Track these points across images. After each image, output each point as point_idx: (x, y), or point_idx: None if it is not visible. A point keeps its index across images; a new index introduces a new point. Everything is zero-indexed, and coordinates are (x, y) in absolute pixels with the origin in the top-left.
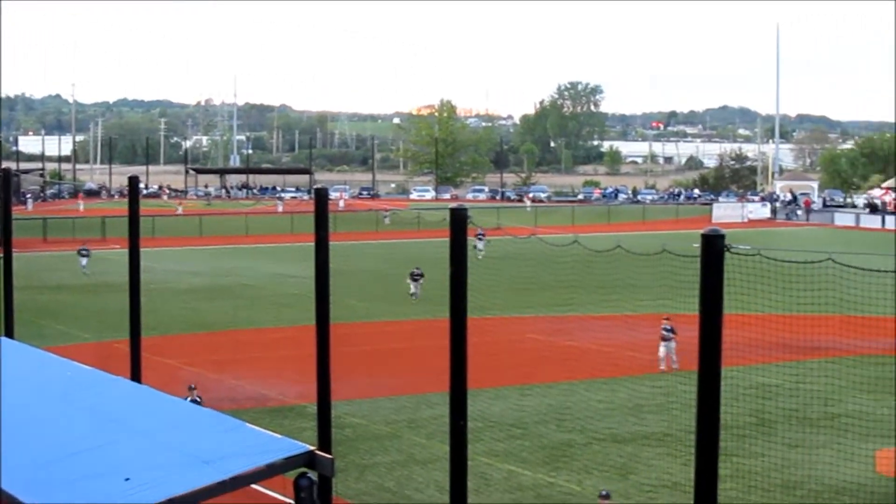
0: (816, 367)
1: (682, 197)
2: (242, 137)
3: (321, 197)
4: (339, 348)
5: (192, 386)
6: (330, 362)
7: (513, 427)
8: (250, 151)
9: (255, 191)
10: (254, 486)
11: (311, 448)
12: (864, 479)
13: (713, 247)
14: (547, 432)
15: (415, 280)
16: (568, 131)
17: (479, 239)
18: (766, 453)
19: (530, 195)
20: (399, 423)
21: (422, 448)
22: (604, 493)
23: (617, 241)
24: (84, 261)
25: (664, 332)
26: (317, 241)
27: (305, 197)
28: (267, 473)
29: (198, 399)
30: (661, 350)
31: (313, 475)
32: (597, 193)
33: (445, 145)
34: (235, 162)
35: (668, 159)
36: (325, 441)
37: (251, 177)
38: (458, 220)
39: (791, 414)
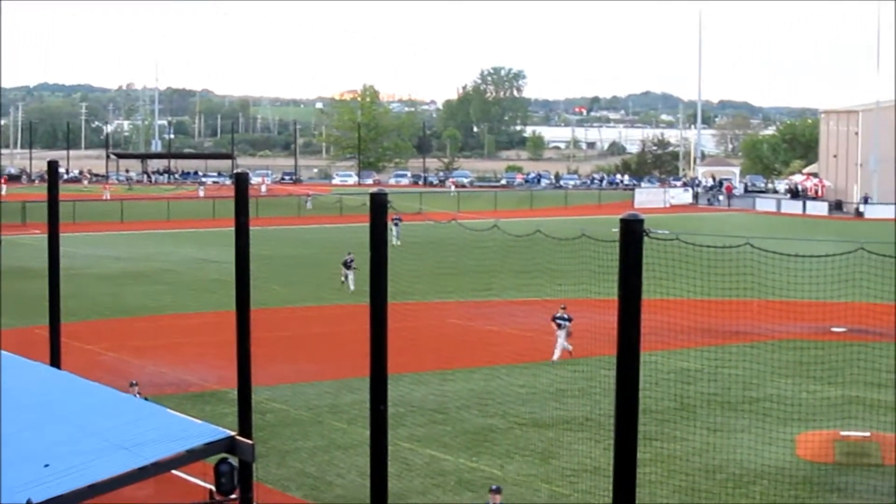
0: (737, 352)
1: (604, 182)
2: (164, 122)
3: (241, 182)
4: (261, 333)
5: (134, 382)
6: (250, 348)
7: (434, 412)
8: (172, 136)
9: (176, 176)
10: (174, 471)
11: (232, 434)
12: (784, 463)
13: (632, 231)
14: (468, 417)
15: (348, 268)
16: (491, 116)
17: (395, 224)
18: (688, 437)
19: (455, 180)
20: (321, 409)
21: (343, 433)
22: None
23: (538, 226)
24: None
25: (559, 322)
26: (237, 227)
27: (227, 182)
28: (187, 459)
29: (138, 395)
30: (561, 338)
31: (234, 461)
32: (519, 179)
33: (368, 130)
34: (157, 147)
35: (591, 145)
36: (245, 427)
37: (173, 162)
38: (378, 205)
39: (712, 398)
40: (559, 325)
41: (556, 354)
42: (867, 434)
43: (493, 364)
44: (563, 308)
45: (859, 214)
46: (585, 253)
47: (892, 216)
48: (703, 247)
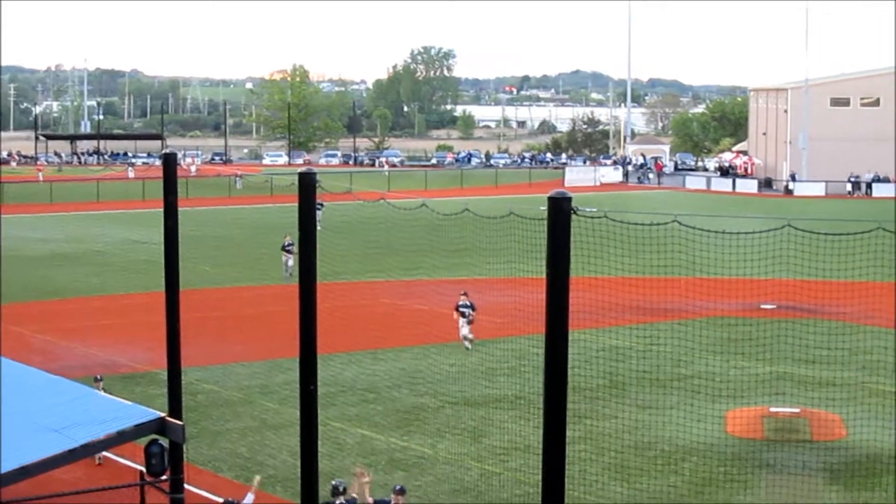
0: (667, 329)
1: (534, 161)
2: (93, 103)
3: (169, 162)
4: (191, 314)
5: (99, 377)
6: (180, 328)
7: (365, 391)
8: (101, 117)
9: (106, 157)
10: (105, 453)
11: (162, 415)
12: (714, 439)
13: (559, 209)
14: (399, 396)
15: (289, 252)
16: (421, 96)
17: (318, 209)
18: (618, 415)
19: (388, 159)
20: (251, 389)
21: (274, 413)
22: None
23: (467, 205)
24: None
25: (462, 309)
26: (165, 207)
27: (157, 163)
28: (117, 440)
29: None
30: (464, 329)
31: (164, 442)
32: (450, 158)
33: (298, 110)
34: (86, 128)
35: (521, 123)
36: (175, 408)
37: (102, 143)
38: (307, 185)
39: (642, 376)
40: (462, 314)
41: (467, 343)
42: (796, 410)
43: (424, 343)
44: (465, 295)
45: (789, 192)
46: (514, 231)
47: (822, 193)
48: (632, 224)
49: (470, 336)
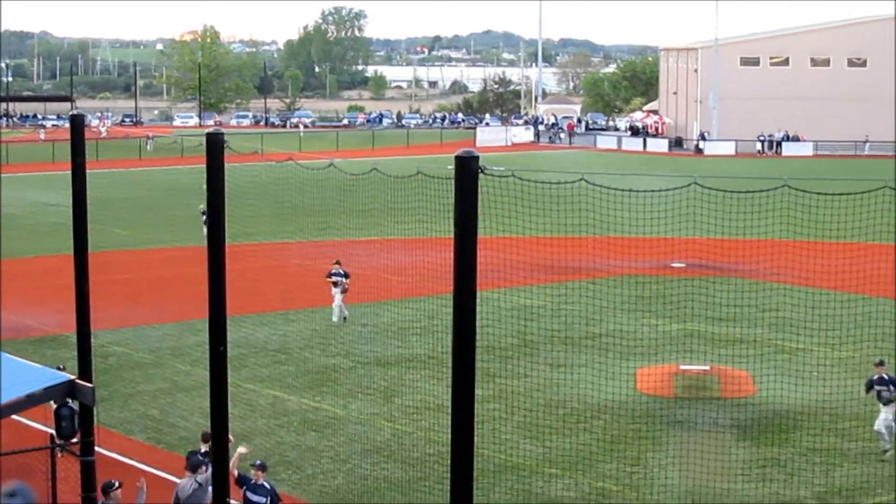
0: (577, 288)
1: (446, 121)
2: (2, 65)
3: (77, 123)
4: (102, 276)
5: (62, 366)
6: (89, 291)
7: (277, 352)
8: (10, 79)
9: (15, 119)
10: (14, 416)
11: (72, 377)
12: (625, 397)
13: (467, 168)
14: (311, 357)
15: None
16: (332, 56)
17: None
18: (529, 374)
19: (301, 120)
20: (163, 351)
21: (186, 375)
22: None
23: (377, 165)
24: None
25: (335, 278)
26: (73, 168)
27: (67, 125)
28: (27, 404)
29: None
30: (337, 298)
31: (74, 405)
32: (361, 119)
33: (209, 71)
34: None
35: (433, 84)
36: (85, 370)
37: (11, 105)
38: (215, 145)
39: (554, 334)
40: (335, 283)
41: (336, 315)
42: (706, 367)
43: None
44: (338, 263)
45: (699, 151)
46: (423, 191)
47: (732, 152)
48: (540, 183)
49: (342, 306)
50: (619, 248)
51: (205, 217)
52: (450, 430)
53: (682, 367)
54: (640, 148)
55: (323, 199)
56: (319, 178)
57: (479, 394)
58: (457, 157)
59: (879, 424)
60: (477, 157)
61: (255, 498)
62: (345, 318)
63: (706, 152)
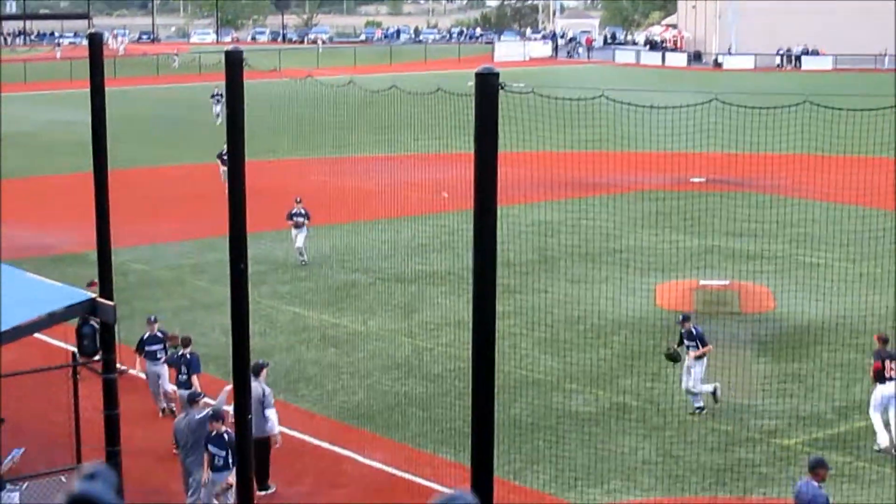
0: (597, 204)
1: (463, 36)
2: None
3: (95, 42)
4: (122, 193)
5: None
6: (109, 208)
7: (297, 269)
8: None
9: (32, 37)
10: (37, 335)
11: (93, 295)
12: (645, 312)
13: (487, 85)
14: (331, 273)
15: (217, 102)
16: None
17: (217, 102)
18: (549, 289)
19: (321, 36)
20: (182, 269)
21: (206, 292)
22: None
23: (395, 81)
24: None
25: (296, 218)
26: (92, 87)
27: (84, 42)
28: (48, 322)
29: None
30: (299, 241)
31: (96, 322)
32: (378, 34)
33: None
34: (11, 8)
35: None
36: (106, 288)
37: (28, 23)
38: (234, 63)
39: (573, 250)
40: (296, 224)
41: (300, 257)
42: (726, 282)
43: (355, 220)
44: (299, 202)
45: (718, 65)
46: (443, 108)
47: (751, 66)
48: (560, 99)
49: (304, 248)
50: (638, 164)
51: (214, 100)
52: (470, 346)
53: (701, 282)
54: (659, 62)
55: (342, 116)
56: (339, 95)
57: (499, 309)
58: (477, 74)
59: (690, 382)
60: (497, 74)
61: (213, 450)
62: (304, 262)
63: (725, 66)
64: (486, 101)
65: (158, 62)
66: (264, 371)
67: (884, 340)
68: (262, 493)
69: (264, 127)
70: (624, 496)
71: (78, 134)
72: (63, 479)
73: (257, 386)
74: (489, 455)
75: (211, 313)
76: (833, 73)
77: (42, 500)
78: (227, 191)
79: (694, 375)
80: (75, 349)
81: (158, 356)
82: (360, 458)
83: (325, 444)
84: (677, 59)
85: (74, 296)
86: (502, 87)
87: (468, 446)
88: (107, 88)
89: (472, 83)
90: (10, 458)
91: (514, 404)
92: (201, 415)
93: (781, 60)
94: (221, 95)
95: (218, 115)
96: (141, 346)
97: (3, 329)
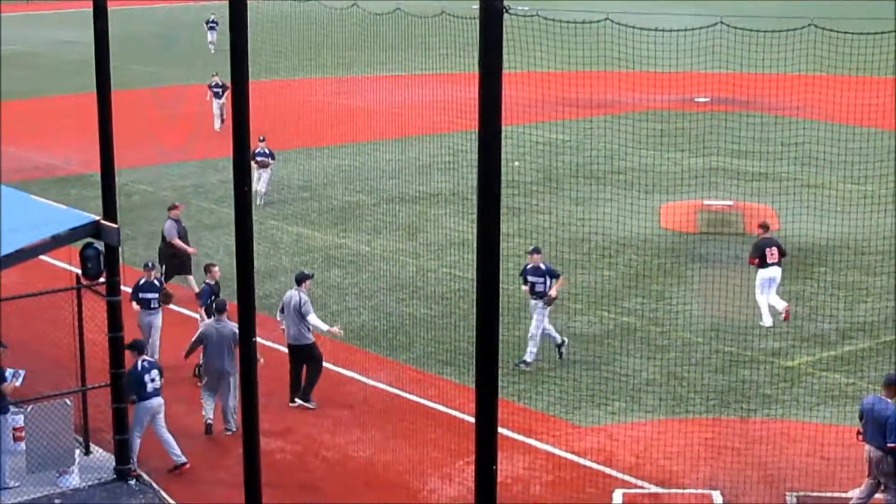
0: (601, 123)
1: None
2: None
3: None
4: (126, 114)
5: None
6: (112, 130)
7: (301, 189)
8: None
9: None
10: (41, 257)
11: (97, 218)
12: (649, 232)
13: (491, 8)
14: (335, 194)
15: (211, 29)
16: None
17: (212, 28)
18: (553, 209)
19: None
20: (186, 189)
21: (209, 213)
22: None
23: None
24: None
25: (260, 158)
26: (95, 10)
27: None
28: (52, 245)
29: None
30: (261, 184)
31: (99, 245)
32: None
33: None
34: None
35: None
36: (110, 211)
37: None
38: None
39: (578, 170)
40: (261, 165)
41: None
42: (730, 203)
43: (359, 140)
44: (262, 140)
45: None
46: (447, 30)
47: None
48: (564, 22)
49: (264, 191)
50: (642, 83)
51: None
52: (473, 266)
53: (705, 202)
54: None
55: (346, 36)
56: (342, 16)
57: (504, 230)
58: None
59: (535, 328)
60: None
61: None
62: (261, 203)
63: None
64: (490, 24)
65: None
66: (307, 282)
67: (765, 227)
68: (295, 404)
69: (266, 47)
70: (628, 417)
71: (81, 52)
72: (68, 402)
73: (296, 294)
74: (494, 376)
75: (215, 234)
76: None
77: (47, 422)
78: (214, 119)
79: (537, 317)
80: (79, 271)
81: (153, 305)
82: (365, 379)
83: (330, 365)
84: None
85: (78, 219)
86: (506, 11)
87: (473, 367)
88: (110, 7)
89: (476, 6)
90: (11, 375)
91: (519, 325)
92: (233, 326)
93: None
94: (217, 22)
95: (212, 44)
96: (136, 293)
97: (8, 252)
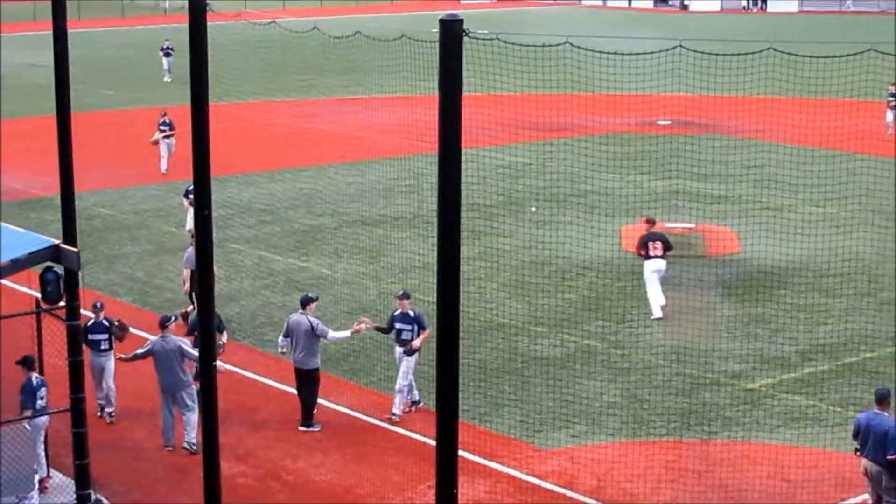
0: (563, 146)
1: None
2: None
3: None
4: (87, 137)
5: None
6: (72, 152)
7: (263, 213)
8: None
9: None
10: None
11: (56, 242)
12: (610, 255)
13: (451, 32)
14: (297, 217)
15: (167, 55)
16: None
17: (167, 55)
18: (515, 232)
19: None
20: (147, 213)
21: (171, 237)
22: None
23: (361, 25)
24: None
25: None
26: (55, 32)
27: None
28: (11, 269)
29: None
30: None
31: (59, 269)
32: None
33: None
34: None
35: None
36: (69, 234)
37: None
38: (198, 8)
39: (540, 192)
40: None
41: (163, 166)
42: (691, 225)
43: (321, 163)
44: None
45: (684, 7)
46: (408, 52)
47: (717, 9)
48: (524, 46)
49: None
50: (604, 106)
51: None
52: (435, 290)
53: (667, 224)
54: (626, 4)
55: (306, 59)
56: (302, 38)
57: (465, 253)
58: (441, 21)
59: (402, 379)
60: (461, 21)
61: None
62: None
63: (691, 8)
64: (451, 48)
65: (122, 5)
66: (312, 305)
67: (651, 222)
68: (305, 429)
69: (227, 69)
70: (589, 440)
71: (45, 76)
72: (27, 426)
73: (304, 318)
74: (454, 399)
75: (177, 257)
76: (799, 16)
77: (6, 447)
78: (161, 161)
79: (403, 368)
80: (39, 295)
81: (103, 347)
82: (327, 403)
83: (291, 389)
84: (643, 2)
85: (37, 242)
86: (466, 34)
87: (434, 390)
88: (71, 30)
89: (436, 30)
90: None
91: (480, 348)
92: (177, 340)
93: (748, 3)
94: (172, 49)
95: (167, 71)
96: (84, 335)
97: None
